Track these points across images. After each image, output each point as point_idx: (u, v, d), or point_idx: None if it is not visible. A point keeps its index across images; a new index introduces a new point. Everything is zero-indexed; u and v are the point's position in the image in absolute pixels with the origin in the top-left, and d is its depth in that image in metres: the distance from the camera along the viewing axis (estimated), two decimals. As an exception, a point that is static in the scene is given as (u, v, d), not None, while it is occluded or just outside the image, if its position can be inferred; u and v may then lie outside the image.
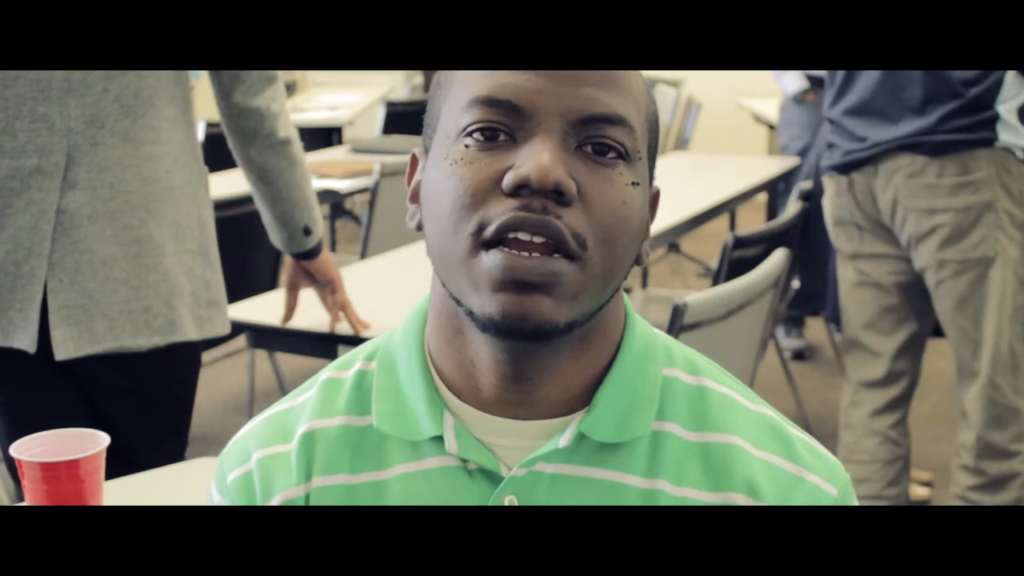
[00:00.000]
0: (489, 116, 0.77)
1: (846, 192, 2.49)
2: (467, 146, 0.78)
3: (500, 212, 0.75)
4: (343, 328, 2.05)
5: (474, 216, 0.76)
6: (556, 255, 0.75)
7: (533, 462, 0.81)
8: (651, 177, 0.85)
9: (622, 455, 0.82)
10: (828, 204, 2.57)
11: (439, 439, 0.83)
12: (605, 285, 0.79)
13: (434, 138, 0.83)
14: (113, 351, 1.64)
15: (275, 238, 1.92)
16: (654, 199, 0.88)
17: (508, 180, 0.75)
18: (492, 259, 0.75)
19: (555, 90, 0.77)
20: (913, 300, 2.49)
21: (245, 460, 0.88)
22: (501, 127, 0.77)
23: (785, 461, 0.84)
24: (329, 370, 0.91)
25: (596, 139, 0.78)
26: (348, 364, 0.90)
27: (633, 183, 0.79)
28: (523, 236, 0.75)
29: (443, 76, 0.84)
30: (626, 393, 0.83)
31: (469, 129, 0.78)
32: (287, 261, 1.99)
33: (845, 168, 2.47)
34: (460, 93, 0.80)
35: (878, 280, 2.50)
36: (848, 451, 2.58)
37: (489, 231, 0.75)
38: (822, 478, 0.84)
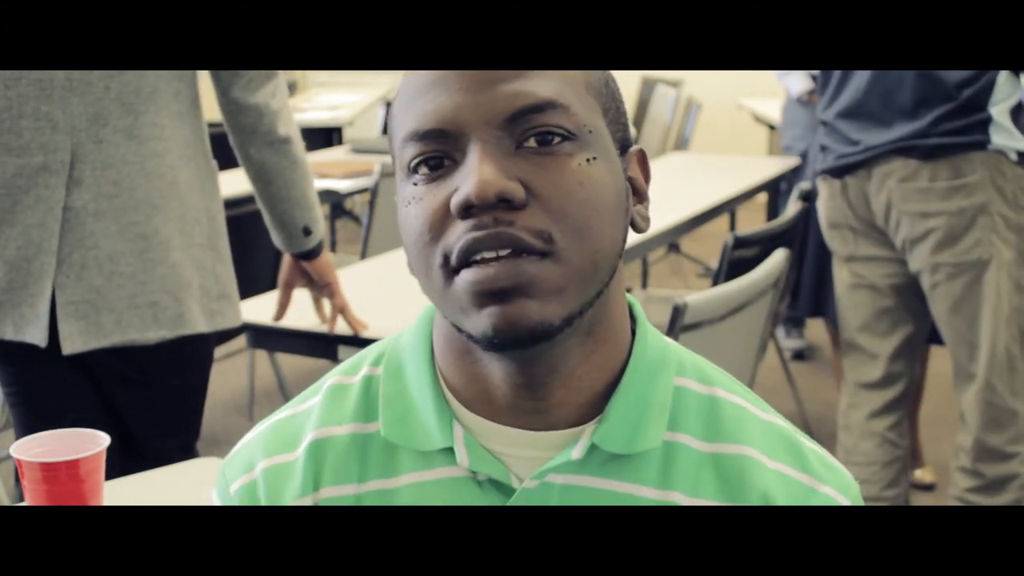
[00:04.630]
0: (424, 149, 0.77)
1: (840, 195, 2.49)
2: (416, 184, 0.78)
3: (457, 238, 0.75)
4: (343, 328, 2.05)
5: (437, 248, 0.76)
6: (523, 256, 0.74)
7: (544, 474, 0.80)
8: (625, 140, 0.83)
9: (634, 466, 0.81)
10: (822, 207, 2.58)
11: (449, 449, 0.82)
12: (593, 270, 0.77)
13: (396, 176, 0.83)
14: (121, 345, 1.66)
15: (275, 237, 1.92)
16: (641, 159, 0.85)
17: (453, 205, 0.75)
18: (463, 279, 0.75)
19: (473, 100, 0.76)
20: (909, 302, 2.49)
21: (249, 469, 0.87)
22: (441, 155, 0.77)
23: (799, 473, 0.83)
24: (335, 375, 0.89)
25: (532, 131, 0.76)
26: (355, 369, 0.89)
27: (589, 159, 0.77)
28: (488, 255, 0.74)
29: (393, 106, 0.83)
30: (639, 402, 0.81)
31: (413, 165, 0.78)
32: (285, 259, 1.98)
33: (838, 172, 2.47)
34: (398, 129, 0.80)
35: (873, 282, 2.50)
36: (846, 453, 2.57)
37: (453, 259, 0.75)
38: (835, 489, 0.83)
